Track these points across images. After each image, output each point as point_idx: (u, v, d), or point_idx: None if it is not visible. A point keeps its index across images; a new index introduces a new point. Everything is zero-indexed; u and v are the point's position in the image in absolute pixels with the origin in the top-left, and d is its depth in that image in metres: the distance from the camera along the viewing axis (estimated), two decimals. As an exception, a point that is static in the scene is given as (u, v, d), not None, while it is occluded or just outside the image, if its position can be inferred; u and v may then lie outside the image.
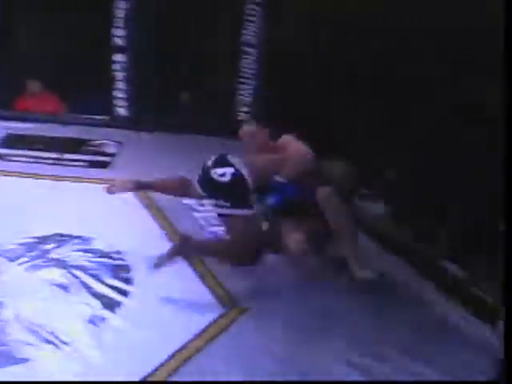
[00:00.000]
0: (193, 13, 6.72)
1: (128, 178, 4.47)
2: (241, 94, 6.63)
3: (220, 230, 4.51)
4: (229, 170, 4.14)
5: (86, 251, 4.23)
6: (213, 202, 4.19)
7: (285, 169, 4.25)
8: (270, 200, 4.23)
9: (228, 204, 4.12)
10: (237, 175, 4.12)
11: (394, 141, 4.96)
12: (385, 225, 4.25)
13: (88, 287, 3.83)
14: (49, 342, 3.36)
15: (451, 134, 4.84)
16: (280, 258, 4.22)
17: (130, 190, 4.49)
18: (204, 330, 3.53)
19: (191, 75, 7.32)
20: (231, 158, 4.22)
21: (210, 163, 4.19)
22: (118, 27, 6.48)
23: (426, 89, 4.80)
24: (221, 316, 3.68)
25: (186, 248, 4.04)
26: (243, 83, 6.61)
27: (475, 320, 3.91)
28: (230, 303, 3.81)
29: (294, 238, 4.02)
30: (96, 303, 3.68)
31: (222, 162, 4.20)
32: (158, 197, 5.11)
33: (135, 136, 6.69)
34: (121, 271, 4.01)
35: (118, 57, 6.57)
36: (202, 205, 5.06)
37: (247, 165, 4.18)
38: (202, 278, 4.07)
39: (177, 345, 3.37)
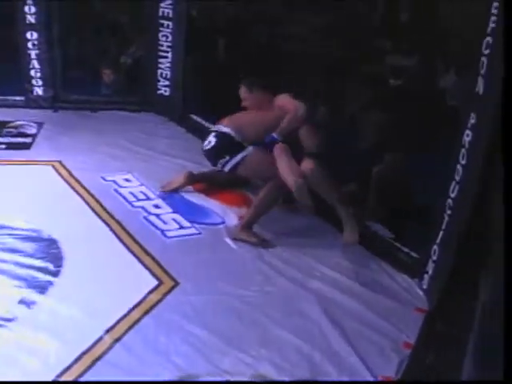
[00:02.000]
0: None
1: (182, 174, 4.96)
2: (160, 68, 6.64)
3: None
4: (211, 137, 4.56)
5: (10, 234, 4.13)
6: (221, 163, 4.51)
7: (280, 126, 4.50)
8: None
9: (228, 158, 4.45)
10: (218, 135, 4.53)
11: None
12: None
13: (16, 268, 3.76)
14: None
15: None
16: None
17: (185, 184, 4.96)
18: (138, 304, 3.54)
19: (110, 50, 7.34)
20: (212, 128, 4.69)
21: (202, 144, 4.65)
22: (29, 4, 6.35)
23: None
24: (154, 289, 3.69)
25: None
26: (162, 57, 6.61)
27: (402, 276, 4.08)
28: (163, 277, 3.81)
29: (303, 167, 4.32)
30: (24, 284, 3.62)
31: (206, 135, 4.66)
32: (81, 175, 5.11)
33: (55, 116, 6.61)
34: (50, 251, 3.96)
35: (31, 35, 6.44)
36: (128, 180, 5.11)
37: (233, 125, 4.55)
38: (134, 253, 4.07)
39: (111, 321, 3.37)
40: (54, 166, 5.26)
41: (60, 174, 5.14)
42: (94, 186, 4.94)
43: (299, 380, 3.11)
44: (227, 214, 4.68)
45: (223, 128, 4.57)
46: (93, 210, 4.58)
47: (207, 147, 4.59)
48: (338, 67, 5.63)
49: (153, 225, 4.43)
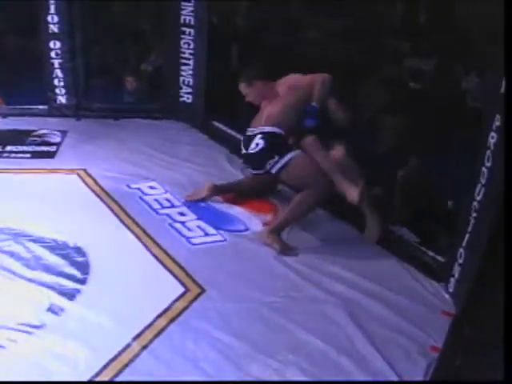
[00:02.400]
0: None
1: (206, 185, 4.94)
2: (182, 75, 6.68)
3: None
4: (257, 140, 4.58)
5: (36, 241, 4.15)
6: (271, 163, 4.52)
7: (314, 95, 4.63)
8: (308, 121, 4.64)
9: (277, 158, 4.48)
10: (265, 137, 4.56)
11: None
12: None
13: (43, 276, 3.79)
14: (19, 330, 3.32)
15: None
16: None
17: (209, 196, 4.93)
18: (164, 312, 3.56)
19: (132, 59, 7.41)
20: (250, 131, 4.69)
21: (244, 150, 4.71)
22: (51, 14, 6.41)
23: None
24: (180, 297, 3.69)
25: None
26: (184, 64, 6.64)
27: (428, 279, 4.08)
28: (189, 284, 3.82)
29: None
30: (52, 291, 3.63)
31: (247, 140, 4.67)
32: (106, 183, 5.15)
33: (78, 124, 6.66)
34: (76, 259, 4.00)
35: (54, 44, 6.50)
36: (153, 187, 5.15)
37: (271, 123, 4.61)
38: (159, 260, 4.09)
39: (138, 328, 3.39)
40: (78, 175, 5.31)
41: (85, 182, 5.19)
42: (119, 193, 4.98)
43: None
44: (252, 220, 4.70)
45: (266, 128, 4.60)
46: (118, 217, 4.61)
47: (255, 150, 4.59)
48: (356, 70, 5.64)
49: (178, 232, 4.45)
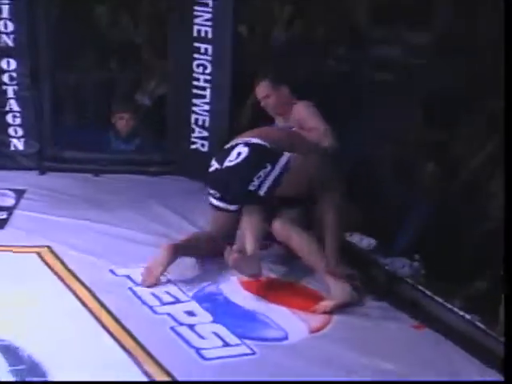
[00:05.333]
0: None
1: (162, 248, 5.06)
2: (194, 112, 6.80)
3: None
4: (240, 148, 4.93)
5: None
6: (260, 179, 4.82)
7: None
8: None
9: (269, 167, 4.81)
10: (251, 145, 4.92)
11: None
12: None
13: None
14: None
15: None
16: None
17: (172, 260, 5.07)
18: None
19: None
20: (233, 141, 5.08)
21: (216, 165, 5.01)
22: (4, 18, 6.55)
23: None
24: None
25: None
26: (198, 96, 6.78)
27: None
28: None
29: None
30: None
31: (224, 154, 5.01)
32: (80, 267, 5.20)
33: (41, 180, 6.82)
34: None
35: (7, 63, 6.64)
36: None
37: (261, 137, 4.98)
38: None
39: None
40: (39, 254, 5.37)
41: (49, 265, 5.25)
42: (100, 283, 5.01)
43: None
44: (292, 323, 4.73)
45: (252, 139, 4.94)
46: (96, 318, 4.60)
47: (235, 161, 4.86)
48: (449, 103, 5.71)
49: (185, 340, 4.45)
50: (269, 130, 5.26)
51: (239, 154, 4.84)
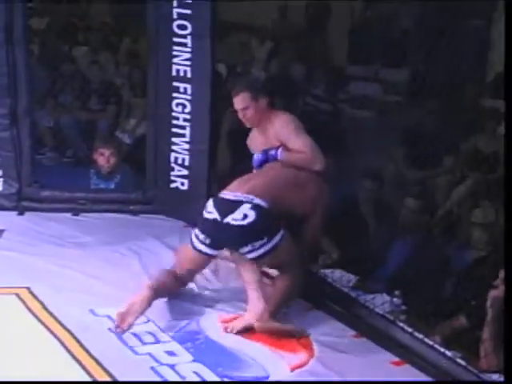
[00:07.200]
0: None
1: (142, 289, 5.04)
2: (174, 150, 6.85)
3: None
4: (246, 209, 4.93)
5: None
6: (256, 246, 4.92)
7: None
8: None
9: (266, 240, 4.90)
10: (257, 208, 4.94)
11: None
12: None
13: None
14: None
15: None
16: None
17: (152, 300, 5.05)
18: None
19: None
20: (232, 195, 5.06)
21: (217, 215, 4.99)
22: None
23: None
24: None
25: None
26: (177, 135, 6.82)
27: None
28: None
29: None
30: None
31: (227, 205, 5.02)
32: (59, 309, 5.19)
33: (19, 221, 6.82)
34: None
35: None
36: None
37: (265, 196, 5.00)
38: None
39: None
40: (18, 296, 5.36)
41: (28, 306, 5.24)
42: (79, 324, 4.99)
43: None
44: (272, 360, 4.75)
45: (255, 199, 4.95)
46: (77, 361, 4.59)
47: (241, 222, 4.90)
48: (433, 143, 5.74)
49: (165, 380, 4.49)
50: (266, 180, 5.19)
51: (245, 216, 4.88)
